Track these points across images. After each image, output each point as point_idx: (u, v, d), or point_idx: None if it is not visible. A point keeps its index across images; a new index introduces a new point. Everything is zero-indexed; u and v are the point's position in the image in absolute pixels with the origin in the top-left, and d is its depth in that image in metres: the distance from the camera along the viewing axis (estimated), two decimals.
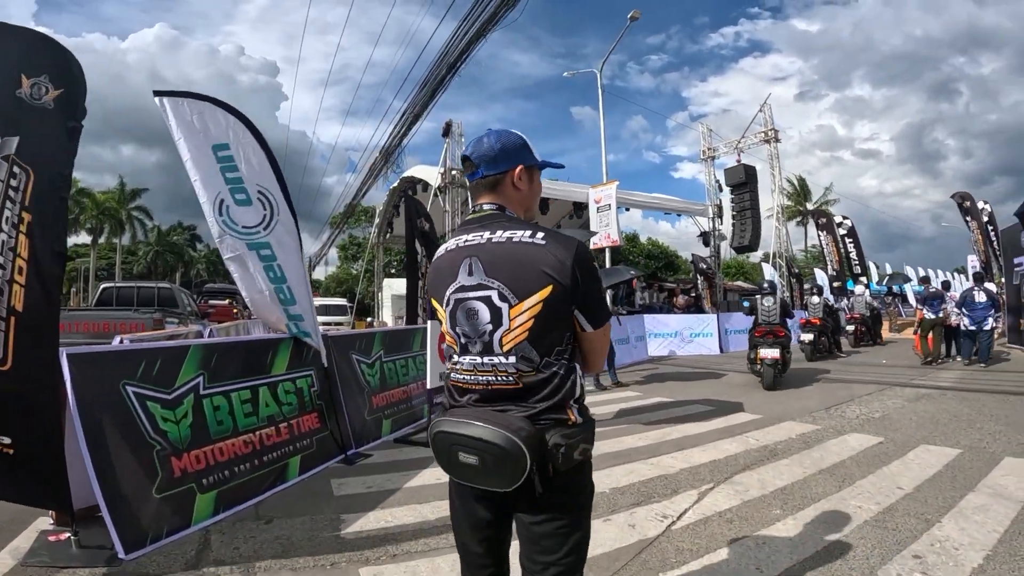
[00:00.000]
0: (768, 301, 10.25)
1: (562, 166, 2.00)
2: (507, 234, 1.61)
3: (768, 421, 6.73)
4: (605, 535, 3.51)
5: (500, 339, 1.59)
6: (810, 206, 50.76)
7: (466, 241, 1.67)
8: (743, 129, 24.36)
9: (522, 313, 1.56)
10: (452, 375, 1.73)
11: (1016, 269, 14.16)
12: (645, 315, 16.96)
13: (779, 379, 9.58)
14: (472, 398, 1.67)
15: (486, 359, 1.61)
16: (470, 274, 1.63)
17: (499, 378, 1.61)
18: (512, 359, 1.58)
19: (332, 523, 3.74)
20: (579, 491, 1.68)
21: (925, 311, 12.90)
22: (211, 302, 20.69)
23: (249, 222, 4.52)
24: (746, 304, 11.61)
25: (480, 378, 1.64)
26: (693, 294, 22.84)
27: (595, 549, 3.10)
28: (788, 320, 10.44)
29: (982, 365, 11.65)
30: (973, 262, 21.33)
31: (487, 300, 1.60)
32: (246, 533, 3.55)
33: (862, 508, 3.91)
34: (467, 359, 1.66)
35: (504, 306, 1.58)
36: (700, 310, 19.23)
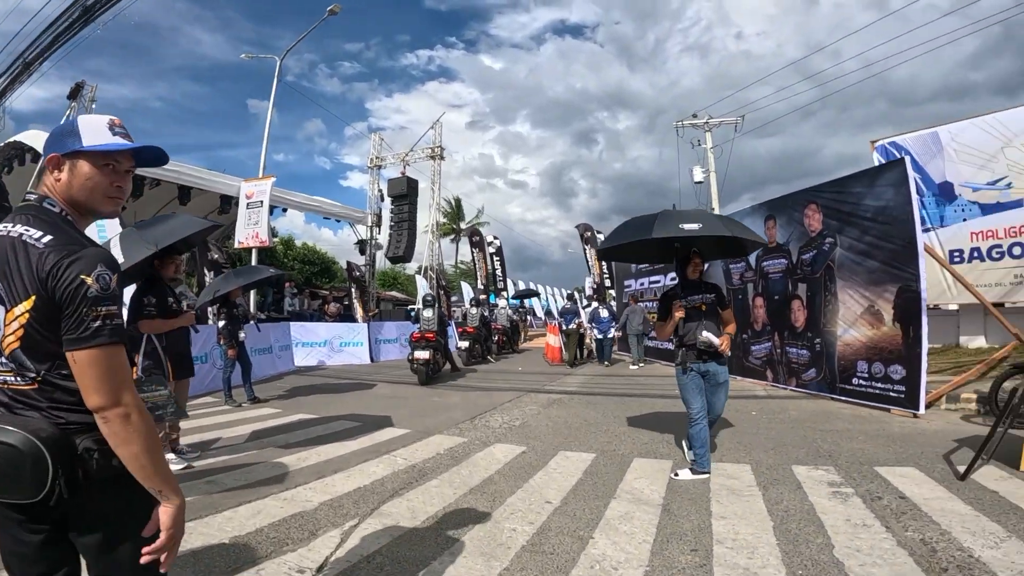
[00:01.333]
0: (428, 312, 11.54)
1: (127, 147, 1.55)
2: (20, 230, 1.44)
3: (416, 436, 6.29)
4: None
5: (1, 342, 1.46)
6: (463, 225, 54.41)
7: None
8: (413, 145, 24.75)
9: (14, 319, 1.42)
10: None
11: (626, 290, 16.82)
12: (292, 323, 15.68)
13: (432, 376, 10.97)
14: None
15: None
16: None
17: (13, 378, 1.45)
18: (12, 364, 1.44)
19: None
20: (128, 502, 1.47)
21: (563, 323, 15.10)
22: None
23: None
24: (412, 312, 13.71)
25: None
26: (346, 302, 22.17)
27: None
28: (448, 328, 11.63)
29: (606, 364, 14.66)
30: (589, 283, 24.81)
31: None
32: None
33: (516, 531, 3.55)
34: None
35: (1, 309, 1.44)
36: (352, 319, 18.52)
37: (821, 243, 8.68)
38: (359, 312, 18.05)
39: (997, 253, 9.95)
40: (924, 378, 7.15)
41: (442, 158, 24.53)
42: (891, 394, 7.45)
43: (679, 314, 4.75)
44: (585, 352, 16.44)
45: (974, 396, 7.56)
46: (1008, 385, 6.52)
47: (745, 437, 6.12)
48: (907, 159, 7.48)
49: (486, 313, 16.89)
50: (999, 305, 10.06)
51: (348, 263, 20.27)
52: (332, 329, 16.10)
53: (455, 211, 55.98)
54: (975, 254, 10.07)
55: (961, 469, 4.69)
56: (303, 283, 32.58)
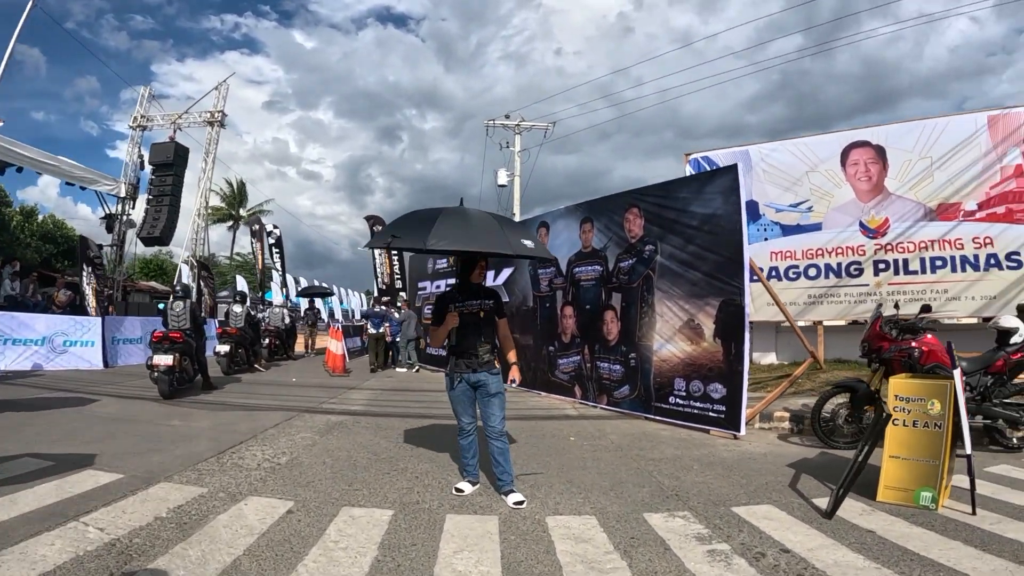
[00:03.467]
0: (178, 306, 9.28)
1: None
2: None
3: (130, 485, 4.28)
4: None
5: None
6: (243, 212, 49.31)
7: None
8: (190, 107, 21.20)
9: None
10: None
11: (419, 292, 15.53)
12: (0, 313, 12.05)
13: (179, 388, 8.83)
14: None
15: None
16: None
17: None
18: None
19: None
20: None
21: (369, 326, 14.97)
22: None
23: None
24: (161, 307, 11.50)
25: None
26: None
27: None
28: (205, 328, 9.43)
29: (416, 369, 14.27)
30: (377, 284, 23.06)
31: None
32: None
33: None
34: None
35: None
36: (84, 311, 14.89)
37: (641, 250, 8.09)
38: (91, 303, 14.56)
39: (794, 273, 10.29)
40: (745, 398, 6.74)
41: (222, 125, 21.36)
42: (710, 414, 6.96)
43: (453, 321, 4.32)
44: (388, 359, 15.60)
45: (787, 415, 7.37)
46: (830, 407, 6.34)
47: (574, 473, 5.07)
48: (739, 166, 7.09)
49: (253, 312, 14.44)
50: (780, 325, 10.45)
51: (81, 238, 16.45)
52: (54, 324, 12.61)
53: (236, 195, 50.42)
54: (773, 273, 10.33)
55: (819, 503, 4.27)
56: (37, 264, 26.54)
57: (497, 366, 4.42)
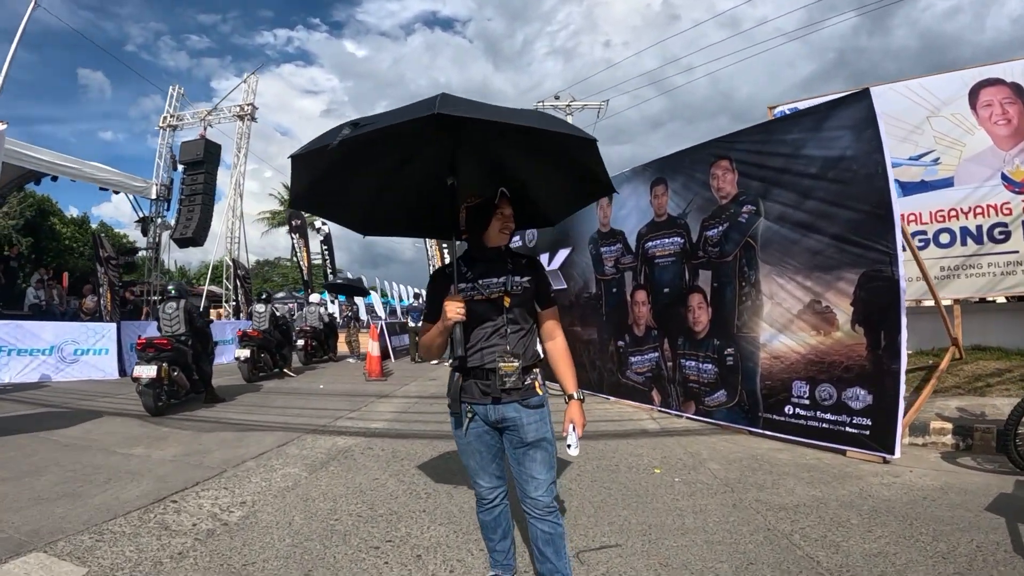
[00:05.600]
0: (170, 307, 7.94)
1: None
2: None
3: None
4: None
5: None
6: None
7: None
8: (219, 102, 20.21)
9: None
10: None
11: None
12: (4, 322, 10.98)
13: (168, 403, 7.45)
14: None
15: None
16: None
17: None
18: None
19: None
20: None
21: (410, 321, 14.67)
22: None
23: None
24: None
25: None
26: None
27: None
28: (203, 331, 8.38)
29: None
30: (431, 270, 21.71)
31: None
32: None
33: None
34: None
35: None
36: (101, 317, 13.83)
37: (736, 213, 6.18)
38: (107, 306, 13.47)
39: (921, 241, 8.14)
40: (902, 409, 4.80)
41: (253, 119, 20.26)
42: (848, 429, 5.05)
43: (455, 314, 2.23)
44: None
45: (948, 425, 5.37)
46: None
47: (670, 541, 3.26)
48: (871, 90, 5.15)
49: (279, 312, 13.01)
50: (917, 303, 8.37)
51: (94, 236, 15.53)
52: (64, 331, 11.47)
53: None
54: None
55: None
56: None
57: (539, 392, 2.41)
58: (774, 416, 5.66)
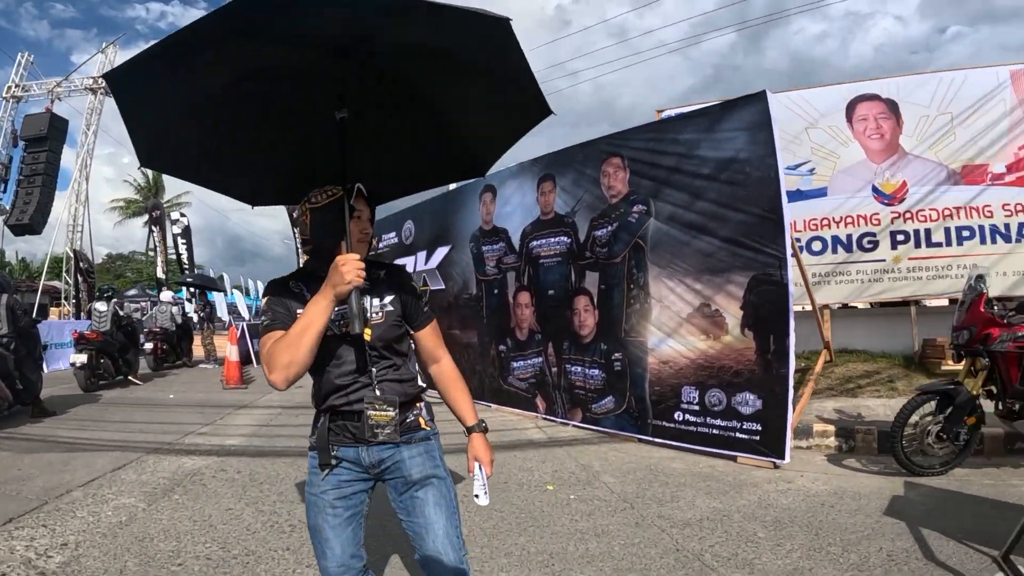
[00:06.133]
0: None
1: None
2: None
3: None
4: None
5: None
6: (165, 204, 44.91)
7: None
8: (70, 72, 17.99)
9: None
10: None
11: None
12: None
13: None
14: None
15: None
16: None
17: None
18: None
19: None
20: None
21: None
22: None
23: None
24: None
25: None
26: None
27: None
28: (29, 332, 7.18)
29: None
30: None
31: None
32: None
33: None
34: None
35: None
36: None
37: (626, 213, 5.95)
38: None
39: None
40: (791, 414, 4.72)
41: (106, 93, 18.16)
42: (738, 435, 4.92)
43: (355, 275, 1.58)
44: None
45: (830, 428, 5.40)
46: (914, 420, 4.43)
47: (575, 572, 2.89)
48: (768, 92, 5.07)
49: (123, 311, 11.53)
50: None
51: None
52: None
53: (152, 186, 45.53)
54: None
55: None
56: None
57: (426, 427, 1.86)
58: (664, 423, 5.46)
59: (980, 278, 4.63)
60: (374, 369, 1.77)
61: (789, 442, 4.68)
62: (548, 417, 6.82)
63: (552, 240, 6.88)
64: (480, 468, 1.85)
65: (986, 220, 8.16)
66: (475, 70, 1.89)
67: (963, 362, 4.58)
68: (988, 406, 4.48)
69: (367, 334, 1.71)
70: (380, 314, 1.78)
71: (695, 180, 5.36)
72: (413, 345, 1.96)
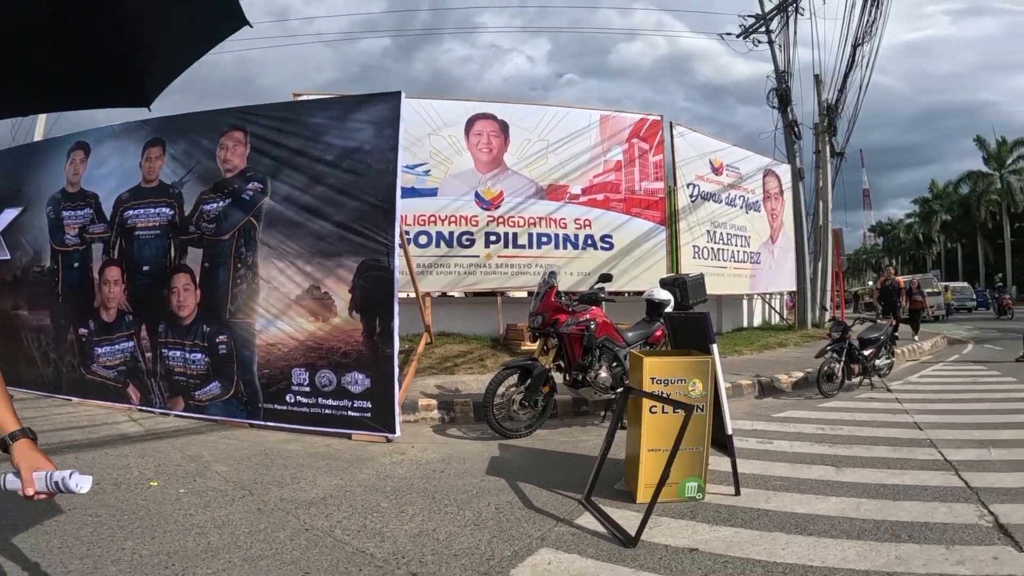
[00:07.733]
0: None
1: None
2: None
3: None
4: None
5: None
6: None
7: None
8: None
9: None
10: None
11: None
12: None
13: None
14: None
15: None
16: None
17: None
18: None
19: None
20: None
21: None
22: None
23: None
24: None
25: None
26: None
27: None
28: None
29: None
30: None
31: None
32: None
33: None
34: None
35: None
36: None
37: (240, 189, 5.67)
38: None
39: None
40: (399, 390, 5.10)
41: None
42: (350, 413, 5.14)
43: None
44: None
45: (433, 402, 6.01)
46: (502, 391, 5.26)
47: (200, 574, 2.63)
48: (403, 94, 5.42)
49: None
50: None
51: None
52: None
53: None
54: None
55: (586, 524, 3.20)
56: None
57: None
58: (276, 406, 5.36)
59: (552, 274, 5.68)
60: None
61: (398, 417, 5.06)
62: (145, 408, 6.07)
63: (152, 211, 6.17)
64: (46, 472, 1.42)
65: (561, 230, 10.21)
66: None
67: (538, 342, 5.56)
68: (558, 377, 5.57)
69: None
70: None
71: (317, 164, 5.41)
72: None
